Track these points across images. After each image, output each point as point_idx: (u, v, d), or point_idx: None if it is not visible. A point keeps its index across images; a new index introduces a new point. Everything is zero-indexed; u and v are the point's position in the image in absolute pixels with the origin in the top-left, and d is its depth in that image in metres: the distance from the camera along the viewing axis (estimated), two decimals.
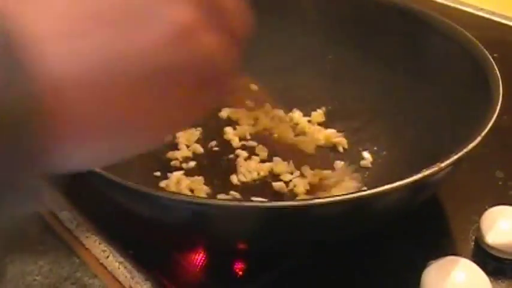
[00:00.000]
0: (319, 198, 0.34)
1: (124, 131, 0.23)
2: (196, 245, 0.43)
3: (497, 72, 0.43)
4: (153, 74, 0.22)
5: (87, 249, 0.44)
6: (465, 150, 0.36)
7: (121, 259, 0.43)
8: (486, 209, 0.44)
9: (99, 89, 0.21)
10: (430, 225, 0.45)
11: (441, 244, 0.44)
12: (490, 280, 0.38)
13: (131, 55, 0.22)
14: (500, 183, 0.49)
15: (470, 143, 0.37)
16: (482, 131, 0.38)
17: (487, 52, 0.46)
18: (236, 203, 0.34)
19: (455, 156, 0.36)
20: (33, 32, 0.20)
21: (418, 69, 0.52)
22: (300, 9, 0.59)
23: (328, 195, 0.46)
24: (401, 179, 0.34)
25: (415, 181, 0.34)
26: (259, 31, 0.60)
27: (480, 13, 0.78)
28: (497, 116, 0.39)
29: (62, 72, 0.20)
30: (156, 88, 0.23)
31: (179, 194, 0.45)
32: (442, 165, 0.35)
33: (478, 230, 0.43)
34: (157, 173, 0.51)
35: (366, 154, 0.53)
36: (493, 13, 0.78)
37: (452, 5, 0.80)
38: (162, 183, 0.50)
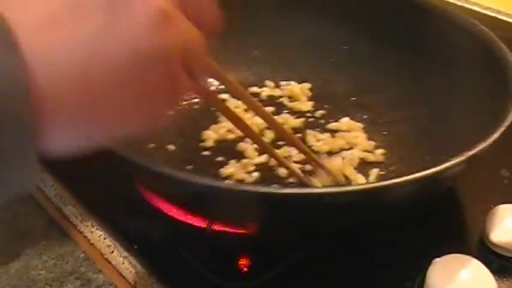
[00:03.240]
0: (329, 187, 0.34)
1: (102, 114, 0.24)
2: (200, 239, 0.43)
3: None
4: (129, 59, 0.23)
5: (91, 244, 0.44)
6: (477, 149, 0.36)
7: (125, 254, 0.43)
8: (491, 208, 0.44)
9: (78, 73, 0.22)
10: (435, 223, 0.45)
11: (446, 242, 0.43)
12: (495, 278, 0.38)
13: (110, 41, 0.23)
14: (505, 181, 0.49)
15: (484, 142, 0.37)
16: (496, 131, 0.38)
17: (509, 52, 0.46)
18: (249, 187, 0.34)
19: (468, 154, 0.36)
20: (18, 24, 0.22)
21: (435, 64, 0.52)
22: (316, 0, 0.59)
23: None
24: (414, 173, 0.34)
25: (425, 176, 0.34)
26: (277, 24, 0.60)
27: (486, 11, 0.78)
28: None
29: (44, 56, 0.22)
30: (132, 74, 0.23)
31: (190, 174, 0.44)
32: (453, 162, 0.35)
33: (483, 228, 0.43)
34: None
35: (381, 145, 0.52)
36: (499, 12, 0.78)
37: (459, 3, 0.80)
38: None
